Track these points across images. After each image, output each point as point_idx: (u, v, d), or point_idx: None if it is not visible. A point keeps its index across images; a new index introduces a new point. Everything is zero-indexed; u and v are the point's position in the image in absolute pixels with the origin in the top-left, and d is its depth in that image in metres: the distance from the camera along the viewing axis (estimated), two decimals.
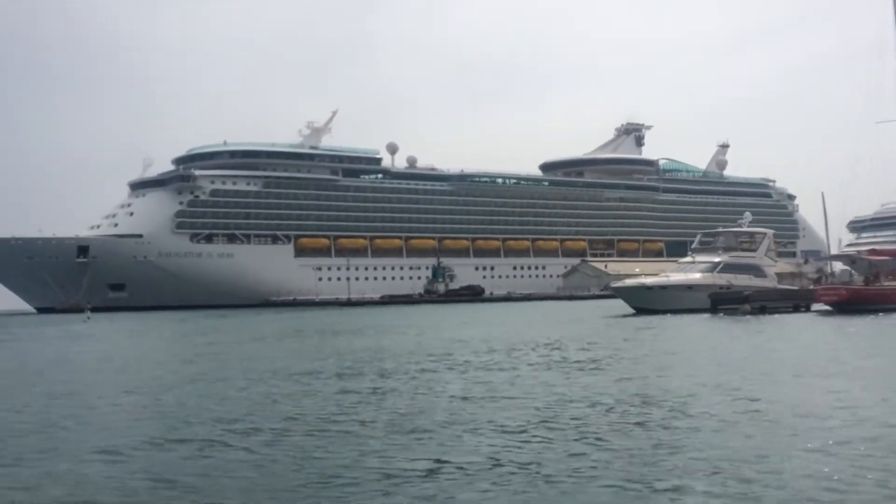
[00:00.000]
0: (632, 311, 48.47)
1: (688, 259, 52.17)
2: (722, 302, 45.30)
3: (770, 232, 53.81)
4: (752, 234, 52.59)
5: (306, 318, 57.27)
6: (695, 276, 48.47)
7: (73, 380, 19.08)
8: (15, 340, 38.82)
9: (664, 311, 45.01)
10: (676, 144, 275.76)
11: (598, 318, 44.26)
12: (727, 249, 50.15)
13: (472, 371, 17.96)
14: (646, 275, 52.90)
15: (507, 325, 39.50)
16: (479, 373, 17.54)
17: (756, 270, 49.23)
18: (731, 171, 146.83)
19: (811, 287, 51.02)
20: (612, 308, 57.30)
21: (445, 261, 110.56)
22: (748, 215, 56.19)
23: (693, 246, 54.49)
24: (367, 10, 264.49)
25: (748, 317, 40.64)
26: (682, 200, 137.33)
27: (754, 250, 50.43)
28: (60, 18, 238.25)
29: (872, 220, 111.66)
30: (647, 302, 47.57)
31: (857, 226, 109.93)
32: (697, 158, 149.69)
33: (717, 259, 49.11)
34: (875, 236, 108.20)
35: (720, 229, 55.44)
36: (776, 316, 40.84)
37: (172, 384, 17.39)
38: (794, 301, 46.03)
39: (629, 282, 51.47)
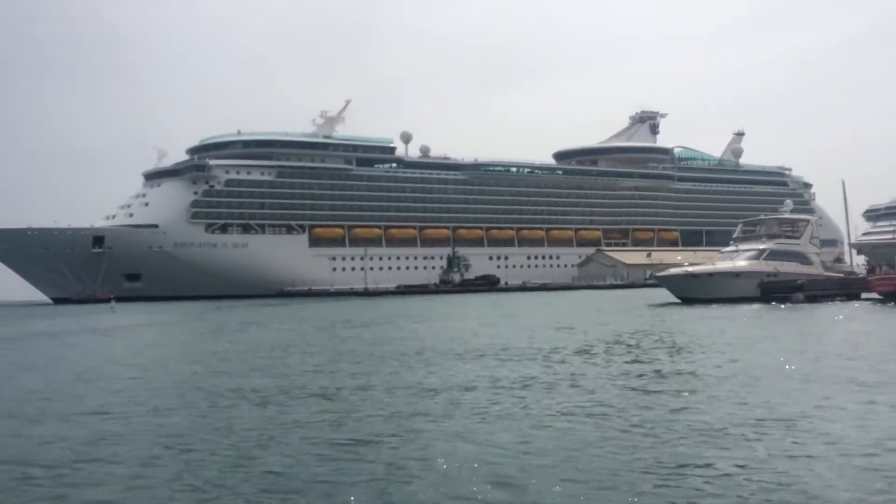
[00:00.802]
0: (676, 300, 47.84)
1: (731, 248, 51.26)
2: (773, 290, 44.57)
3: (813, 219, 53.08)
4: (795, 222, 51.89)
5: (339, 308, 56.21)
6: (741, 264, 47.56)
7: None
8: (62, 335, 36.94)
9: (710, 301, 44.36)
10: (691, 132, 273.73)
11: (645, 308, 43.26)
12: (771, 237, 49.41)
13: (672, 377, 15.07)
14: (690, 264, 52.18)
15: (557, 317, 37.59)
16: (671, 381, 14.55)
17: (801, 258, 48.51)
18: (746, 160, 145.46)
19: (862, 276, 50.12)
20: (645, 297, 56.67)
21: (460, 250, 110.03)
22: (789, 203, 55.55)
23: (735, 235, 53.61)
24: (372, 1, 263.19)
25: (803, 305, 39.84)
26: (697, 189, 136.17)
27: (798, 237, 49.68)
28: (76, 10, 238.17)
29: (888, 208, 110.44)
30: (692, 291, 46.79)
31: (872, 214, 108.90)
32: (713, 146, 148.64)
33: (762, 246, 48.29)
34: (891, 224, 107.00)
35: (762, 217, 54.39)
36: (831, 305, 39.90)
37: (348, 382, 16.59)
38: (846, 290, 45.48)
39: (674, 271, 50.75)
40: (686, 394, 12.84)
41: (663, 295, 51.10)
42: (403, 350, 21.61)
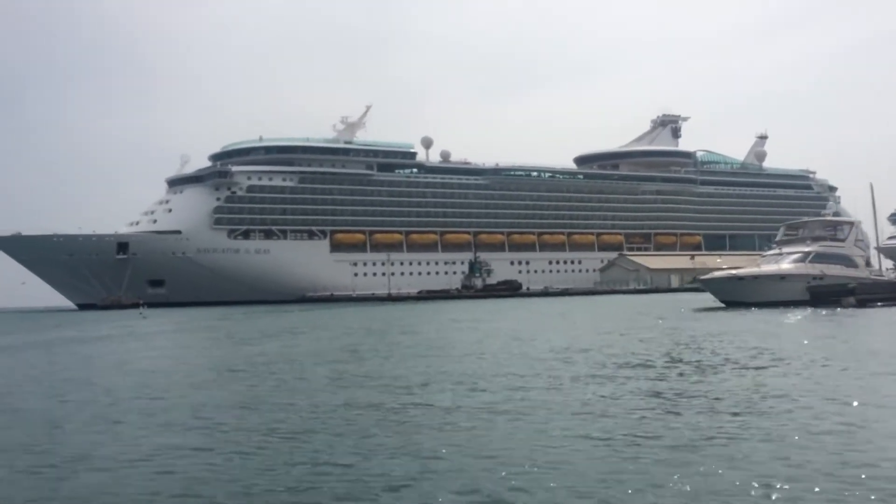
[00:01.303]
0: (720, 304, 46.96)
1: (774, 251, 50.05)
2: (823, 294, 43.35)
3: (858, 221, 51.72)
4: (838, 224, 50.52)
5: (372, 313, 55.64)
6: (787, 267, 46.46)
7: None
8: (121, 338, 36.24)
9: (756, 304, 43.44)
10: (714, 136, 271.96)
11: (692, 313, 42.17)
12: (815, 239, 48.15)
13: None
14: (733, 267, 51.29)
15: (602, 323, 35.81)
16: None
17: (847, 260, 47.21)
18: (770, 163, 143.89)
19: None
20: (679, 302, 55.52)
21: (481, 255, 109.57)
22: (832, 205, 54.42)
23: (778, 237, 52.53)
24: (396, 6, 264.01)
25: (856, 310, 38.63)
26: (720, 193, 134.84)
27: (842, 240, 48.34)
28: (99, 19, 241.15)
29: None
30: (737, 294, 45.82)
31: None
32: (735, 150, 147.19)
33: (807, 249, 47.10)
34: None
35: (805, 219, 53.15)
36: (885, 309, 38.62)
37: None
38: None
39: (718, 273, 49.59)
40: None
41: (698, 299, 50.04)
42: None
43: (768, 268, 47.14)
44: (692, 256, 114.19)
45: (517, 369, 17.28)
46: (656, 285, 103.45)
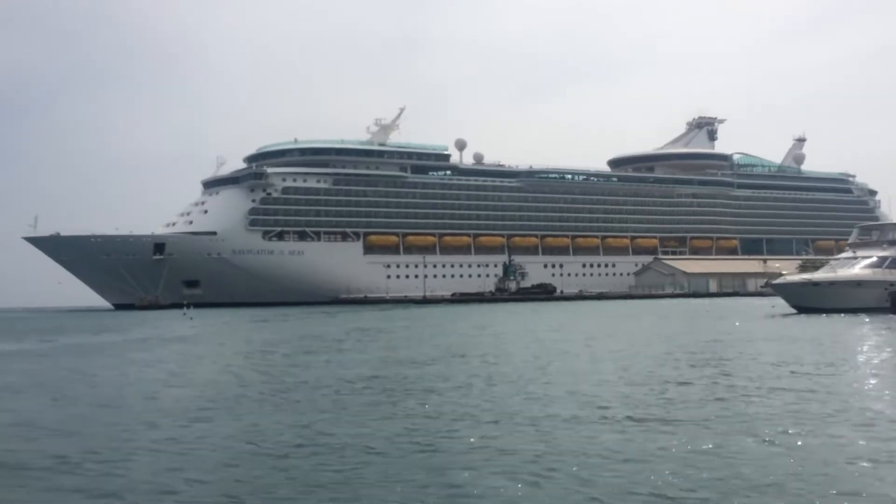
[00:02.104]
0: (792, 310, 45.74)
1: (847, 254, 48.60)
2: None
3: None
4: None
5: (427, 316, 54.76)
6: (864, 272, 45.12)
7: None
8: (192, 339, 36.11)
9: (830, 311, 42.23)
10: (750, 138, 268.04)
11: (766, 318, 40.96)
12: (893, 243, 46.54)
13: None
14: (807, 271, 49.66)
15: (677, 330, 34.00)
16: None
17: None
18: (808, 166, 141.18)
19: None
20: (744, 308, 54.08)
21: (515, 258, 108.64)
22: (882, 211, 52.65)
23: (850, 240, 50.96)
24: (428, 10, 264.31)
25: None
26: (757, 196, 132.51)
27: None
28: (136, 25, 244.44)
29: None
30: (812, 300, 44.52)
31: None
32: (773, 153, 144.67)
33: (884, 253, 45.59)
34: None
35: (880, 222, 51.23)
36: None
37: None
38: None
39: (792, 278, 48.61)
40: None
41: (758, 305, 48.58)
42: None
43: (844, 273, 45.53)
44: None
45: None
46: (694, 290, 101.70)
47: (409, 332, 36.96)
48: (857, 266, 45.61)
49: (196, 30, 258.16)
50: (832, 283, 44.72)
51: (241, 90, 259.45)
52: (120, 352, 29.49)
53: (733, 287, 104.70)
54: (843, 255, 49.24)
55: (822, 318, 39.11)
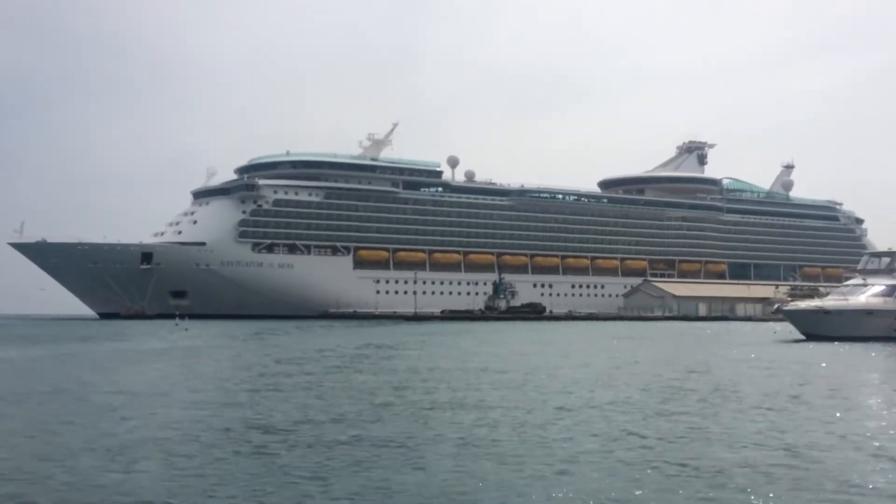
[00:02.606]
0: (800, 336, 45.79)
1: (856, 280, 48.40)
2: None
3: None
4: None
5: (431, 333, 54.01)
6: (874, 301, 44.94)
7: None
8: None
9: (839, 339, 42.07)
10: (739, 164, 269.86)
11: (774, 344, 40.71)
12: None
13: None
14: (797, 297, 49.41)
15: (700, 357, 32.59)
16: None
17: None
18: (796, 193, 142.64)
19: None
20: (747, 333, 53.85)
21: (505, 277, 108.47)
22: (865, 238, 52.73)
23: (859, 267, 50.70)
24: (423, 27, 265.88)
25: None
26: (746, 221, 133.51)
27: None
28: (127, 34, 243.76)
29: None
30: (822, 328, 44.38)
31: None
32: (761, 178, 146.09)
33: (893, 282, 45.36)
34: None
35: (890, 249, 50.72)
36: None
37: None
38: None
39: (803, 305, 48.50)
40: None
41: (758, 330, 48.41)
42: None
43: (855, 302, 45.34)
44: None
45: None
46: (684, 313, 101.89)
47: (435, 351, 35.77)
48: (866, 294, 45.45)
49: (189, 39, 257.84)
50: (842, 312, 44.65)
51: (233, 101, 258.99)
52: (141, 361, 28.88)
53: (722, 311, 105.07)
54: (853, 281, 49.07)
55: (836, 346, 38.72)
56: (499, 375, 22.93)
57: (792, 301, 52.16)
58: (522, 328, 67.21)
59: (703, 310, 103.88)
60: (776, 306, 52.40)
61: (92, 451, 11.49)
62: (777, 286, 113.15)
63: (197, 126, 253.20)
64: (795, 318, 47.28)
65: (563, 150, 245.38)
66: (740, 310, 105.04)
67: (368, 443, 12.02)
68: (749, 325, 79.98)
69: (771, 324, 59.75)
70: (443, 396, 17.81)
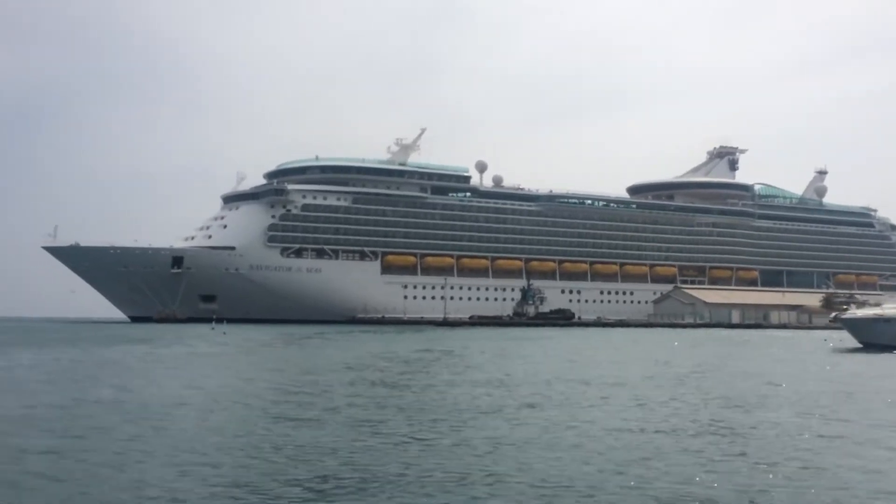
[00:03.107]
0: (857, 344, 45.05)
1: None
2: None
3: None
4: None
5: (477, 338, 53.30)
6: None
7: None
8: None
9: None
10: (771, 169, 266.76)
11: (837, 354, 39.75)
12: None
13: None
14: (832, 305, 48.37)
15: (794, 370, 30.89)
16: None
17: None
18: (829, 199, 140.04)
19: None
20: (800, 341, 52.55)
21: (533, 283, 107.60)
22: None
23: None
24: (452, 35, 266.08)
25: None
26: (778, 228, 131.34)
27: None
28: (159, 37, 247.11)
29: None
30: (880, 336, 43.46)
31: None
32: (794, 184, 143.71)
33: None
34: None
35: None
36: None
37: None
38: None
39: (861, 313, 47.66)
40: None
41: (807, 338, 47.14)
42: None
43: None
44: (849, 299, 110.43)
45: None
46: (716, 320, 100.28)
47: (512, 358, 34.96)
48: None
49: (217, 46, 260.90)
50: None
51: (261, 107, 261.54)
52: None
53: (755, 319, 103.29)
54: None
55: None
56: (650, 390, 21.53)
57: (848, 309, 50.72)
58: (566, 335, 66.29)
59: (735, 317, 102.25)
60: (833, 315, 51.13)
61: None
62: (811, 293, 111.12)
63: (225, 132, 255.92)
64: (854, 326, 46.40)
65: (591, 156, 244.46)
66: (774, 317, 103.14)
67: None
68: (787, 333, 78.34)
69: (815, 332, 57.91)
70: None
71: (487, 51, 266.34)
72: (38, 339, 54.22)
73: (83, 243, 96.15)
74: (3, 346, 40.98)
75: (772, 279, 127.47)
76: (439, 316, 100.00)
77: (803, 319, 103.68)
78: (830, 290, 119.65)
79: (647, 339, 57.25)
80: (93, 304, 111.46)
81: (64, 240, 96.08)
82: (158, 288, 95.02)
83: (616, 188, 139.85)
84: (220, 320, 78.97)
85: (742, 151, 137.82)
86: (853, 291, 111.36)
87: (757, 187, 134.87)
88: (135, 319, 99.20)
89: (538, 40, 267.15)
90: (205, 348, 40.79)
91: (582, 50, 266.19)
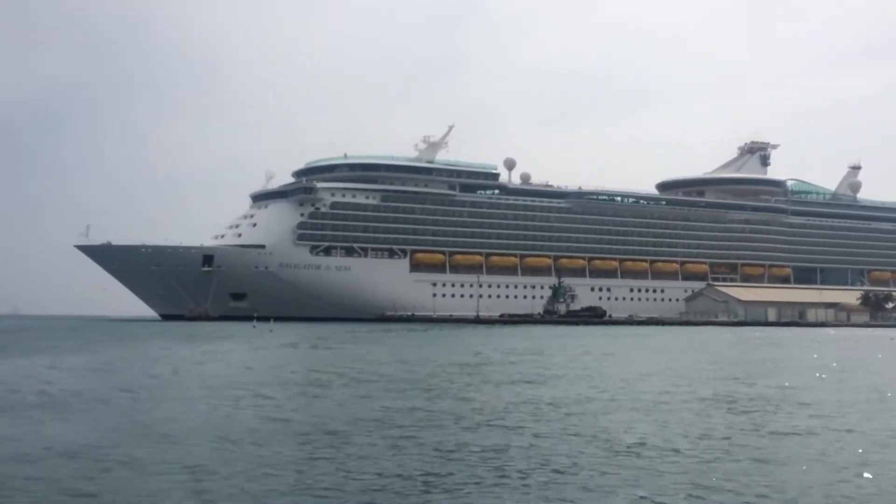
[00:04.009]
0: None
1: None
2: None
3: None
4: None
5: (534, 337, 52.44)
6: None
7: None
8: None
9: None
10: (803, 165, 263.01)
11: None
12: None
13: None
14: (869, 303, 47.08)
15: None
16: None
17: None
18: (863, 194, 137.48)
19: None
20: (854, 340, 50.88)
21: (564, 280, 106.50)
22: None
23: None
24: (471, 32, 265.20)
25: None
26: (812, 224, 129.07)
27: None
28: (188, 39, 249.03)
29: None
30: None
31: None
32: (826, 180, 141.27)
33: None
34: None
35: None
36: None
37: None
38: None
39: None
40: None
41: (857, 336, 45.66)
42: None
43: None
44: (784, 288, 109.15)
45: None
46: (752, 318, 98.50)
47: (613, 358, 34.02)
48: None
49: (246, 47, 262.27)
50: None
51: (288, 106, 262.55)
52: None
53: (790, 317, 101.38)
54: None
55: None
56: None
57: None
58: (610, 333, 65.19)
59: (772, 315, 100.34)
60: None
61: None
62: (847, 291, 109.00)
63: (253, 131, 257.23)
64: None
65: (618, 152, 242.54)
66: (811, 315, 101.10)
67: None
68: (832, 331, 76.51)
69: (867, 331, 55.71)
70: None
71: (512, 48, 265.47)
72: (126, 333, 53.78)
73: (115, 242, 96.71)
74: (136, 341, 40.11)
75: (805, 276, 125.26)
76: (469, 314, 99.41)
77: (841, 317, 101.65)
78: (868, 288, 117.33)
79: (693, 338, 55.78)
80: (123, 302, 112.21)
81: (96, 239, 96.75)
82: (189, 286, 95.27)
83: (645, 185, 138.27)
84: (261, 318, 78.96)
85: (774, 147, 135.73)
86: (891, 289, 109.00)
87: (789, 183, 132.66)
88: (165, 317, 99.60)
89: (565, 36, 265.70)
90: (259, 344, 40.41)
91: (609, 46, 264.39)
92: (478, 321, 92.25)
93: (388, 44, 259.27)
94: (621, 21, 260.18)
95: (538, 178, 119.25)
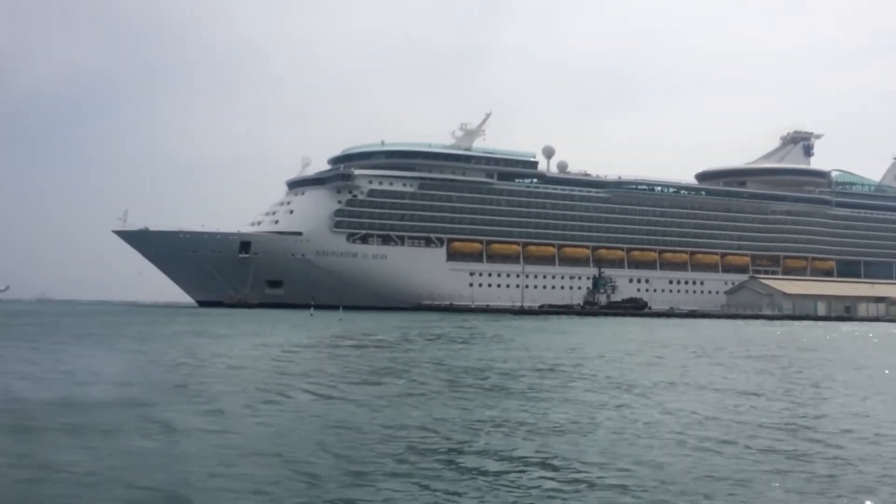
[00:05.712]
0: None
1: None
2: None
3: None
4: None
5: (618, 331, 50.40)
6: None
7: None
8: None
9: None
10: (846, 155, 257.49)
11: None
12: None
13: None
14: None
15: None
16: None
17: None
18: None
19: None
20: None
21: (604, 271, 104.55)
22: None
23: None
24: (502, 22, 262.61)
25: None
26: (856, 216, 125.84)
27: None
28: (230, 26, 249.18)
29: None
30: None
31: None
32: (871, 171, 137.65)
33: None
34: None
35: None
36: None
37: None
38: None
39: None
40: None
41: None
42: None
43: None
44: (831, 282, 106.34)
45: None
46: (800, 312, 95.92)
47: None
48: None
49: (283, 34, 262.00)
50: None
51: (324, 93, 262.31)
52: None
53: (839, 311, 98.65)
54: None
55: None
56: None
57: None
58: (671, 325, 62.96)
59: (822, 309, 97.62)
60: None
61: None
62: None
63: (290, 117, 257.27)
64: None
65: (655, 142, 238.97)
66: (862, 310, 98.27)
67: None
68: (893, 326, 73.83)
69: None
70: None
71: (543, 36, 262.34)
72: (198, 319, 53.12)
73: (152, 227, 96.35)
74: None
75: (848, 270, 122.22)
76: (506, 304, 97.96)
77: (893, 312, 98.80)
78: None
79: (767, 332, 53.30)
80: (159, 288, 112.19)
81: (134, 224, 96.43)
82: (226, 273, 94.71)
83: (685, 175, 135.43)
84: (318, 307, 78.21)
85: (817, 137, 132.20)
86: None
87: (834, 174, 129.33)
88: (202, 304, 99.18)
89: (598, 25, 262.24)
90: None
91: (644, 35, 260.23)
92: (522, 312, 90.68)
93: (420, 31, 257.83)
94: (657, 10, 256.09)
95: (575, 168, 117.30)
